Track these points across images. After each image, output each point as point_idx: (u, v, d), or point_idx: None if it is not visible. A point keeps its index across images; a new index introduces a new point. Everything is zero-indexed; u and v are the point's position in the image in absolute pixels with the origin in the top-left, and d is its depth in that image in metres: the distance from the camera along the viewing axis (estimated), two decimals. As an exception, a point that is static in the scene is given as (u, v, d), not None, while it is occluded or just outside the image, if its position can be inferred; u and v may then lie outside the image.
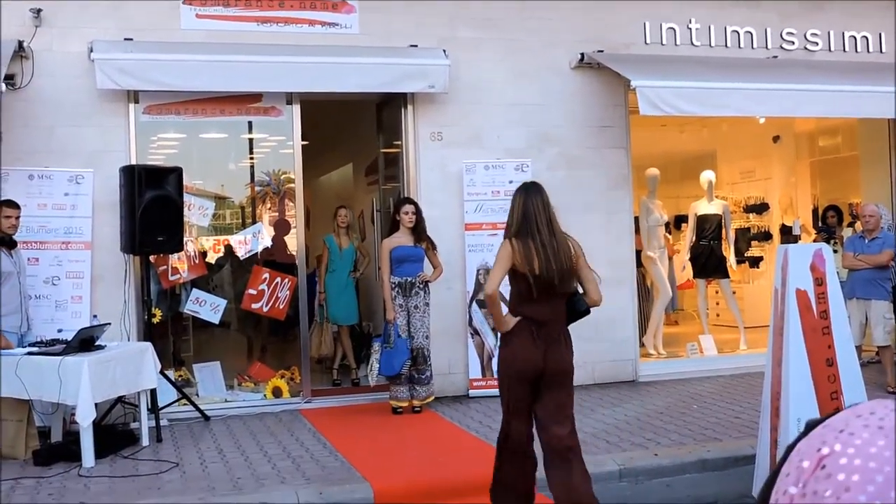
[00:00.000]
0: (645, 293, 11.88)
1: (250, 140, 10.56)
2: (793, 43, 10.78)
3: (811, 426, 0.91)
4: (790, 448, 0.91)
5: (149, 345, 7.79)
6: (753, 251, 14.27)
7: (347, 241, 10.21)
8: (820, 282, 5.68)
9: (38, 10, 8.38)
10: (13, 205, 7.71)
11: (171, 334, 10.31)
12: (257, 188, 10.98)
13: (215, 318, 9.31)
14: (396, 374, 8.44)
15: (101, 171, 8.50)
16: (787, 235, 13.05)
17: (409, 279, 8.53)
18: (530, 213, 5.06)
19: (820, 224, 12.37)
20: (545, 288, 4.94)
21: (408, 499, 6.19)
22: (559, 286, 4.98)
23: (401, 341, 8.43)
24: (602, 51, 9.92)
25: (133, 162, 8.55)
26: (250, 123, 9.94)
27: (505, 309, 5.32)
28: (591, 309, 5.21)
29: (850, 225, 11.82)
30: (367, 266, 10.44)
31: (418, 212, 8.66)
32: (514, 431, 5.08)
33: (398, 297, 8.52)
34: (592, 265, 5.54)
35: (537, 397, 5.03)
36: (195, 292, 9.32)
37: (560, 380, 5.03)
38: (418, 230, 8.61)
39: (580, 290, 5.15)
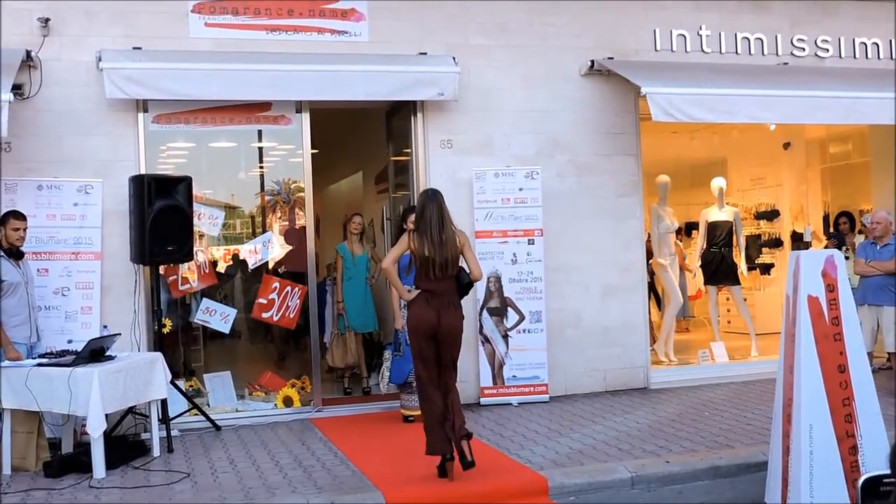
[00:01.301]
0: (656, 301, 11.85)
1: (260, 149, 10.55)
2: (803, 49, 10.76)
3: None
4: None
5: (159, 355, 7.79)
6: (764, 258, 14.24)
7: (361, 248, 10.25)
8: (831, 288, 5.65)
9: (46, 20, 8.39)
10: (20, 216, 7.71)
11: (181, 344, 10.31)
12: (267, 197, 10.97)
13: (225, 328, 9.31)
14: (405, 381, 8.39)
15: (111, 181, 8.51)
16: (798, 242, 13.00)
17: None
18: (427, 214, 6.65)
19: (831, 230, 12.33)
20: (436, 268, 6.56)
21: (419, 508, 6.19)
22: (446, 268, 6.58)
23: (409, 349, 8.37)
24: (612, 57, 9.91)
25: (142, 171, 8.57)
26: (260, 132, 9.94)
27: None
28: (476, 283, 6.95)
29: (861, 231, 11.77)
30: (380, 272, 10.44)
31: None
32: (424, 373, 6.67)
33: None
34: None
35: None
36: (205, 302, 9.32)
37: (451, 337, 6.63)
38: None
39: (467, 270, 6.73)
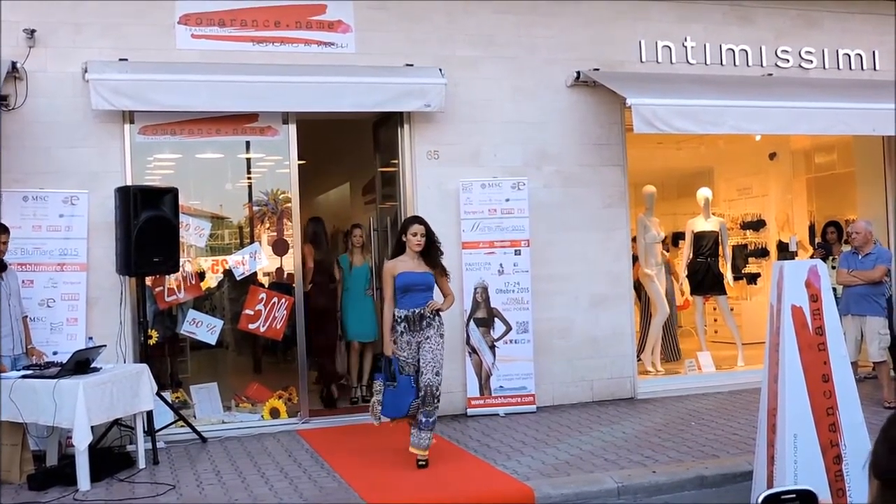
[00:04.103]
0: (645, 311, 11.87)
1: (247, 160, 10.55)
2: (787, 61, 10.82)
3: None
4: None
5: (145, 366, 7.76)
6: (750, 268, 14.28)
7: (361, 259, 10.35)
8: (815, 298, 5.68)
9: (32, 31, 8.39)
10: (3, 229, 7.68)
11: (167, 356, 10.28)
12: (255, 208, 10.97)
13: (212, 339, 9.28)
14: (405, 415, 7.22)
15: (97, 192, 8.50)
16: (784, 252, 13.04)
17: (418, 310, 7.19)
18: (317, 233, 9.99)
19: (818, 241, 12.38)
20: (324, 266, 9.74)
21: (405, 519, 6.18)
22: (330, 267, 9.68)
23: (404, 379, 7.15)
24: (598, 69, 9.95)
25: (129, 183, 8.55)
26: (247, 143, 9.94)
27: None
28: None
29: (848, 241, 11.82)
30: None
31: (429, 233, 7.36)
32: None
33: (405, 334, 7.19)
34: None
35: None
36: (192, 313, 9.30)
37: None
38: (429, 255, 7.33)
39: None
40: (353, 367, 10.40)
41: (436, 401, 7.17)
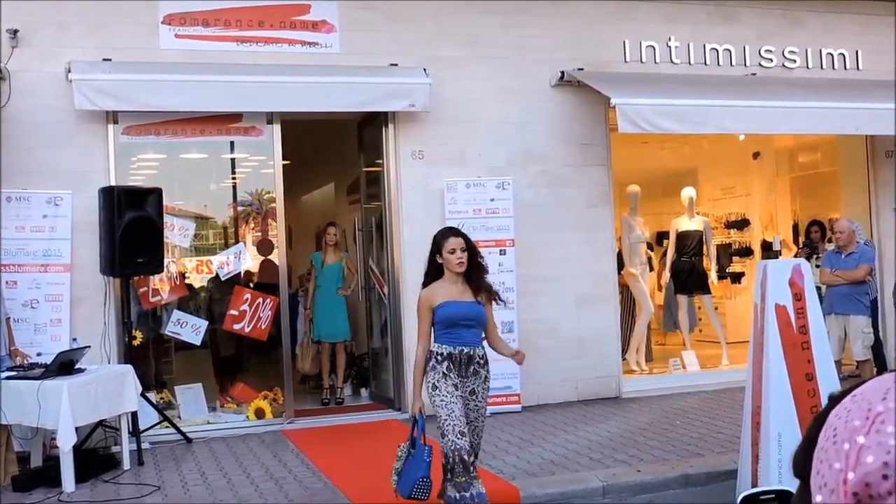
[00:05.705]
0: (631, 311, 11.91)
1: (232, 160, 10.54)
2: (771, 60, 10.86)
3: (836, 398, 1.11)
4: (821, 418, 1.11)
5: (129, 367, 7.74)
6: (735, 267, 14.33)
7: (334, 258, 10.32)
8: (799, 297, 5.71)
9: (15, 31, 8.34)
10: None
11: (152, 356, 10.25)
12: (240, 208, 10.95)
13: (197, 340, 9.26)
14: (410, 496, 5.51)
15: (81, 193, 8.45)
16: (768, 251, 13.12)
17: (466, 350, 5.60)
18: None
19: (802, 239, 12.43)
20: None
21: (391, 519, 6.17)
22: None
23: (422, 449, 5.55)
24: (582, 69, 9.96)
25: (113, 183, 8.52)
26: (232, 143, 9.92)
27: None
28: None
29: (832, 240, 11.88)
30: (355, 283, 10.52)
31: (470, 248, 5.72)
32: None
33: (449, 377, 5.52)
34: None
35: None
36: (176, 314, 9.28)
37: None
38: (473, 276, 5.72)
39: None
40: (324, 367, 10.39)
41: (472, 468, 5.37)
